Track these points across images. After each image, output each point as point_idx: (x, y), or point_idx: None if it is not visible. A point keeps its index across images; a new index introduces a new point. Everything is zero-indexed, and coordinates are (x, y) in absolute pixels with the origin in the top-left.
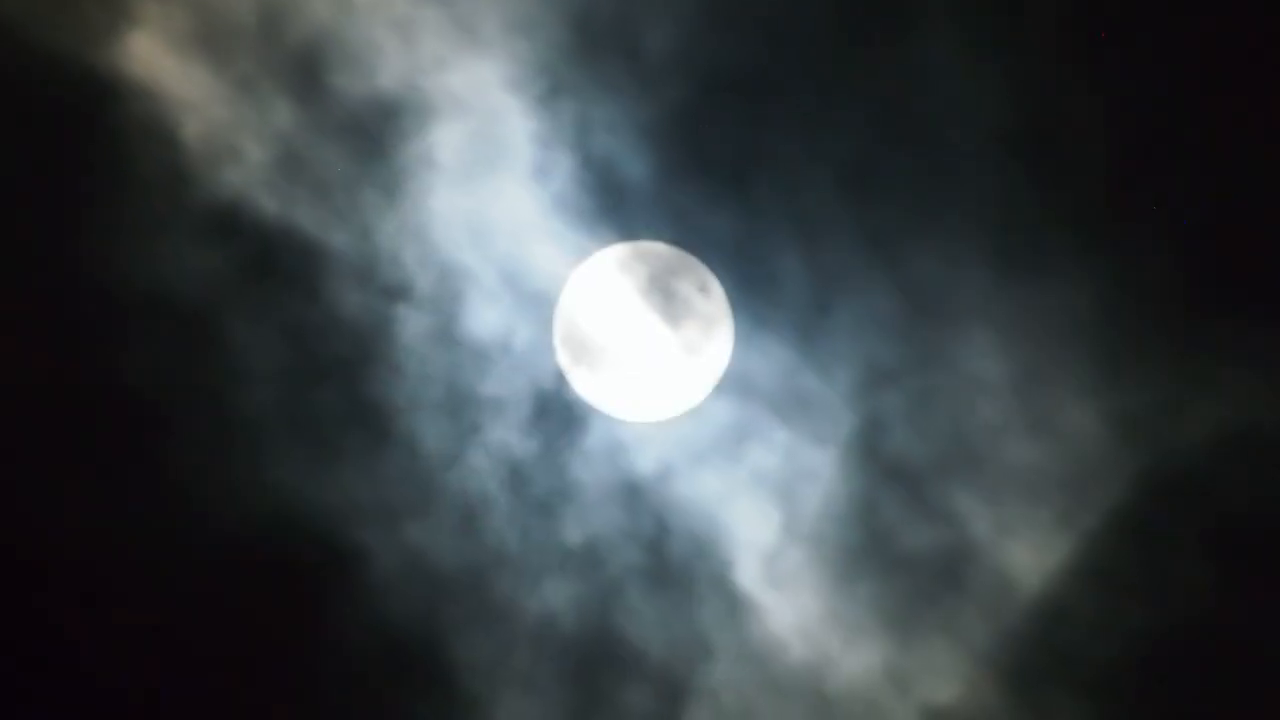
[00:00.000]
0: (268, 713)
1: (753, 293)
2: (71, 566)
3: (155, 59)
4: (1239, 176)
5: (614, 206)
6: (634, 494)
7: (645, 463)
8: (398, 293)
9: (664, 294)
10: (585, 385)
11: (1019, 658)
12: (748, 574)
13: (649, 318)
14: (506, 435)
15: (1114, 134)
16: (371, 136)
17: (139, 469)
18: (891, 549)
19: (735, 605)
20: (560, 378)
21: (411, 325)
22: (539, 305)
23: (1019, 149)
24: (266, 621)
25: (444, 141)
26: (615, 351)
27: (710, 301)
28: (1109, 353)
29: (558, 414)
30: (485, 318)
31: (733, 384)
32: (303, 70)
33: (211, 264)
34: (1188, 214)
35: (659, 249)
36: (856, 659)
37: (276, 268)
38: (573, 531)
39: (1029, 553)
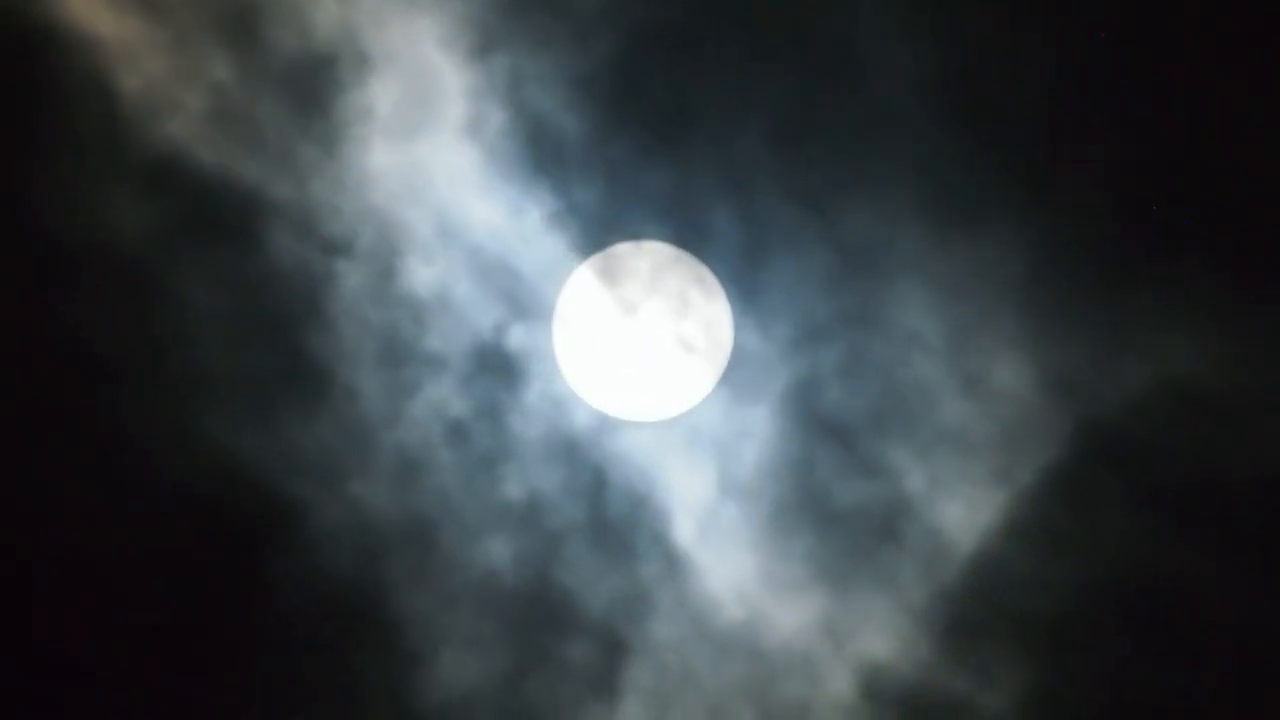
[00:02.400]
0: (209, 665)
1: (687, 248)
2: (10, 518)
3: (92, 10)
4: (1172, 133)
5: (548, 161)
6: (572, 450)
7: (583, 418)
8: (337, 247)
9: (665, 296)
10: (590, 391)
11: (954, 612)
12: (685, 530)
13: (650, 320)
14: (446, 391)
15: (1047, 89)
16: (308, 90)
17: (78, 421)
18: (827, 505)
19: (673, 561)
20: (498, 331)
21: (351, 279)
22: (477, 260)
23: (951, 104)
24: (207, 574)
25: (379, 96)
26: (618, 355)
27: (712, 303)
28: (1042, 309)
29: (497, 370)
30: (423, 273)
31: (668, 344)
32: (240, 22)
33: (150, 216)
34: (1119, 171)
35: (658, 248)
36: (792, 614)
37: (215, 220)
38: (513, 487)
39: (964, 509)
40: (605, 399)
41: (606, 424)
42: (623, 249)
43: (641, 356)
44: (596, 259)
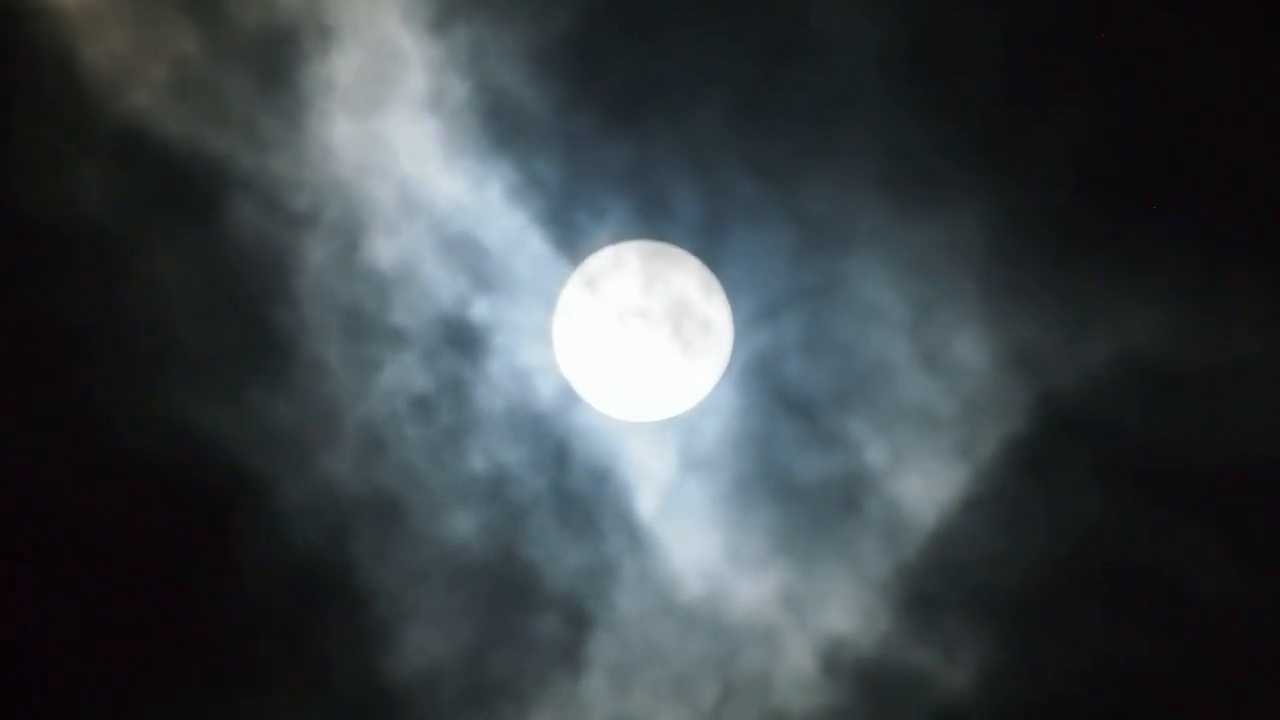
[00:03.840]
0: (175, 639)
1: (647, 222)
2: None
3: None
4: (1131, 108)
5: (509, 135)
6: (536, 424)
7: (546, 391)
8: (301, 220)
9: (665, 296)
10: (585, 386)
11: (915, 586)
12: (647, 504)
13: (650, 322)
14: (410, 364)
15: (1006, 64)
16: (271, 63)
17: (45, 395)
18: (788, 479)
19: (635, 536)
20: (461, 304)
21: (315, 253)
22: (440, 233)
23: (911, 78)
24: (173, 547)
25: (341, 68)
26: (619, 358)
27: (711, 304)
28: (1003, 284)
29: (461, 343)
30: (387, 246)
31: (629, 318)
32: None
33: (114, 189)
34: (1071, 141)
35: (660, 248)
36: (754, 588)
37: (179, 193)
38: (478, 460)
39: (925, 483)
40: (607, 402)
41: (569, 397)
42: (622, 249)
43: (642, 361)
44: (594, 260)
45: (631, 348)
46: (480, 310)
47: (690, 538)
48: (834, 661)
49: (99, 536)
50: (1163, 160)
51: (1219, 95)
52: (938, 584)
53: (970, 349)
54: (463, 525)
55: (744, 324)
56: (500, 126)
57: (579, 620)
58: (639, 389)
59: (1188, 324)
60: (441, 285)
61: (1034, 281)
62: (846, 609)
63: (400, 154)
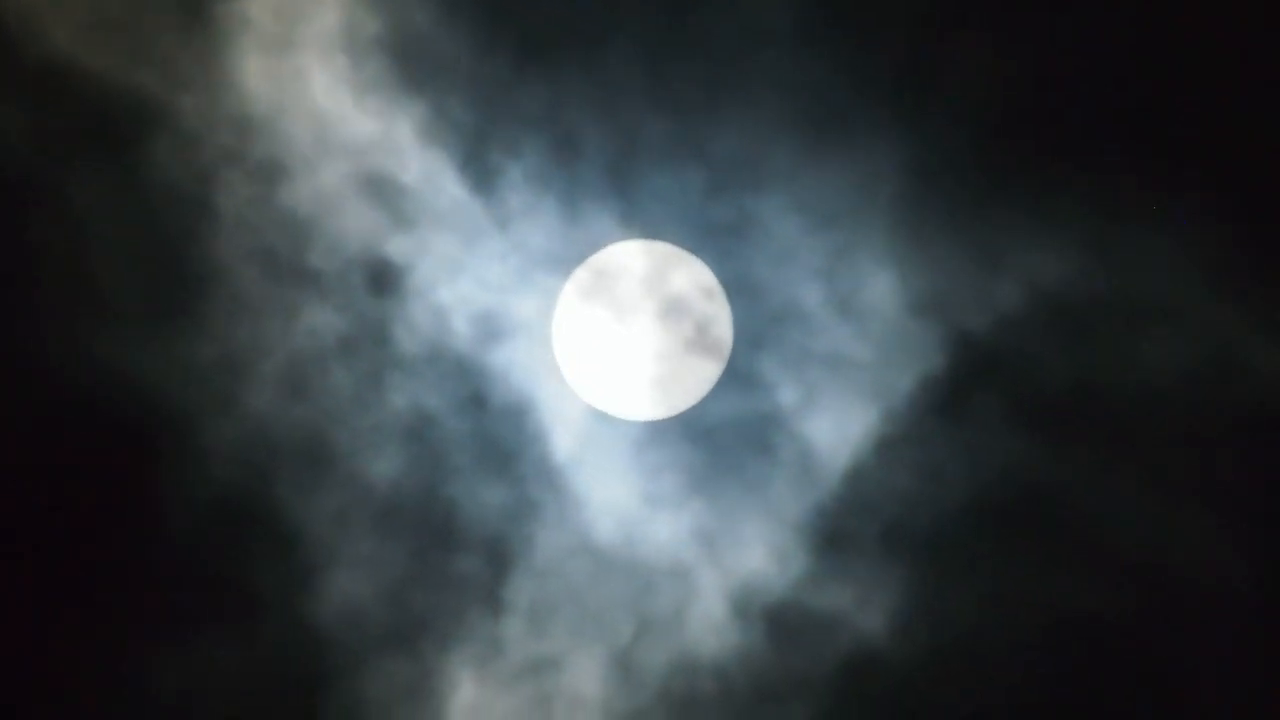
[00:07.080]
0: (98, 580)
1: (559, 166)
2: None
3: None
4: (1039, 49)
5: (423, 74)
6: (454, 363)
7: (464, 331)
8: (218, 158)
9: (664, 295)
10: (584, 384)
11: (829, 527)
12: (563, 445)
13: (649, 319)
14: (329, 304)
15: (916, 4)
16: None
17: None
18: (701, 419)
19: (551, 477)
20: (378, 243)
21: (233, 191)
22: (357, 172)
23: (821, 19)
24: (95, 488)
25: (257, 6)
26: (619, 355)
27: (712, 303)
28: (914, 225)
29: (380, 282)
30: (305, 184)
31: (543, 259)
32: None
33: (32, 127)
34: (987, 88)
35: (664, 249)
36: (668, 529)
37: (97, 131)
38: (398, 399)
39: (838, 423)
40: (605, 399)
41: (486, 334)
42: (620, 249)
43: (642, 360)
44: (590, 263)
45: (632, 352)
46: (397, 248)
47: (605, 479)
48: (747, 602)
49: (18, 476)
50: (1072, 101)
51: (1128, 37)
52: (851, 525)
53: (882, 290)
54: (385, 466)
55: (658, 265)
56: (413, 66)
57: (498, 561)
58: (643, 387)
59: (1098, 263)
60: (358, 224)
61: (945, 223)
62: (760, 550)
63: (315, 92)
